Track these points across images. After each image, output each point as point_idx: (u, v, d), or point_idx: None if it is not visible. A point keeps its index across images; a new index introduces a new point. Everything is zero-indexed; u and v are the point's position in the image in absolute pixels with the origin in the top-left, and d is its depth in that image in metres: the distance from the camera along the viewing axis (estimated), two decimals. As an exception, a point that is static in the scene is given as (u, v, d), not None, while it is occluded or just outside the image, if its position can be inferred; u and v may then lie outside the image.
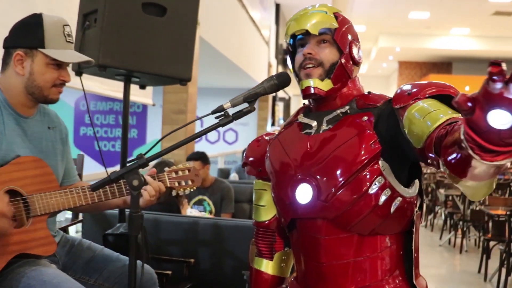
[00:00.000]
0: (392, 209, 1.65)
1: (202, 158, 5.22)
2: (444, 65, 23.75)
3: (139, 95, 4.98)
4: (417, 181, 1.73)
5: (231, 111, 1.73)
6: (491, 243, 6.64)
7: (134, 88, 3.37)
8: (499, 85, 0.93)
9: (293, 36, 1.81)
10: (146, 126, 11.83)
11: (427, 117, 1.50)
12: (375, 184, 1.63)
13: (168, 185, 2.13)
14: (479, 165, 1.12)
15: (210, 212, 5.15)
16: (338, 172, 1.66)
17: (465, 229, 8.17)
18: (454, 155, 1.21)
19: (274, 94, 14.65)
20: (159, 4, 2.84)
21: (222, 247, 3.47)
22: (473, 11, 16.70)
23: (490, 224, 6.98)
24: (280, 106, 16.87)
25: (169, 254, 3.48)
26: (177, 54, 2.90)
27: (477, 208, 7.48)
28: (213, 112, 1.71)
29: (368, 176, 1.64)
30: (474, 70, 22.67)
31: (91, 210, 2.69)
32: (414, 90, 1.62)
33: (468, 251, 8.18)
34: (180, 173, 2.16)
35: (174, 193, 2.17)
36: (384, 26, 19.33)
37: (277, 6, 15.69)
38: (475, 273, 6.84)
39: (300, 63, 1.77)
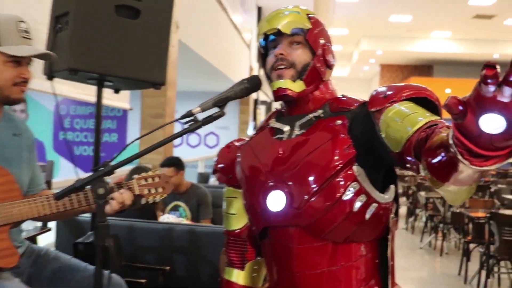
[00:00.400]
0: (367, 216, 1.60)
1: (175, 164, 5.10)
2: (425, 68, 23.87)
3: (116, 99, 4.91)
4: (392, 186, 1.69)
5: (201, 116, 1.67)
6: (471, 246, 6.66)
7: (110, 92, 3.31)
8: (492, 88, 0.89)
9: (266, 38, 1.77)
10: (127, 130, 11.73)
11: (405, 120, 1.45)
12: (350, 190, 1.59)
13: (137, 192, 2.06)
14: (466, 170, 1.07)
15: (187, 218, 5.08)
16: (311, 178, 1.61)
17: (445, 231, 8.19)
18: (438, 159, 1.16)
19: (255, 97, 14.65)
20: (133, 7, 2.77)
21: (198, 254, 3.41)
22: (454, 15, 16.80)
23: (470, 226, 6.99)
24: (261, 110, 16.82)
25: (144, 261, 3.41)
26: (151, 57, 2.84)
27: (458, 211, 7.48)
28: (182, 117, 1.66)
29: (342, 182, 1.59)
30: (455, 72, 22.82)
31: (58, 218, 2.62)
32: (390, 92, 1.57)
33: (448, 253, 8.20)
34: (150, 180, 2.10)
35: (143, 201, 2.10)
36: (366, 29, 19.38)
37: (259, 9, 15.66)
38: (455, 275, 6.86)
39: (272, 64, 1.72)
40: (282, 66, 1.69)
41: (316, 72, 1.71)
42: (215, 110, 1.69)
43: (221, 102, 1.67)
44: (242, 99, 14.11)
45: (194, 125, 1.64)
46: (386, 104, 1.55)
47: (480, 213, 6.50)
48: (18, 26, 2.03)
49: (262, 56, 1.82)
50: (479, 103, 0.91)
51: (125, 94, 5.38)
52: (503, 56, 20.95)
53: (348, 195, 1.59)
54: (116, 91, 3.18)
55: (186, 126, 1.67)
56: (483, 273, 5.98)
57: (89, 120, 12.76)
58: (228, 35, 10.37)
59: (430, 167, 1.22)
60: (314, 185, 1.60)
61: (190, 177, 6.63)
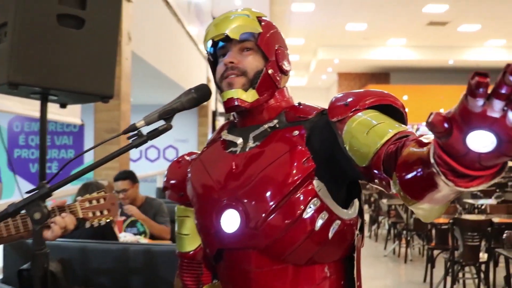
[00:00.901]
0: (330, 234, 1.47)
1: (130, 176, 5.02)
2: (382, 75, 24.10)
3: (66, 115, 4.72)
4: (356, 200, 1.57)
5: (147, 130, 1.52)
6: (435, 252, 6.63)
7: (58, 107, 3.13)
8: (480, 102, 0.78)
9: (215, 44, 1.64)
10: (84, 146, 11.51)
11: (371, 132, 1.33)
12: (310, 207, 1.46)
13: (81, 216, 1.90)
14: (446, 190, 0.96)
15: (145, 233, 4.92)
16: (268, 194, 1.47)
17: (409, 238, 8.15)
18: (413, 176, 1.05)
19: (214, 108, 14.50)
20: (76, 16, 2.61)
21: (155, 274, 3.24)
22: (408, 22, 16.99)
23: (434, 232, 6.97)
24: (220, 121, 16.66)
25: (99, 284, 3.23)
26: (97, 69, 2.68)
27: (420, 217, 7.46)
28: (125, 132, 1.51)
29: (301, 198, 1.46)
30: (411, 79, 23.09)
31: None
32: (351, 100, 1.45)
33: (412, 260, 8.17)
34: (95, 202, 1.93)
35: (88, 224, 1.94)
36: (323, 38, 19.46)
37: (215, 20, 15.53)
38: (421, 282, 6.81)
39: (222, 73, 1.59)
40: (233, 75, 1.56)
41: (269, 80, 1.58)
42: (161, 123, 1.54)
43: (167, 114, 1.53)
44: (200, 111, 14.00)
45: (138, 140, 1.50)
46: (349, 113, 1.42)
47: (443, 219, 6.47)
48: None
49: (211, 64, 1.69)
50: (466, 118, 0.80)
51: (75, 108, 5.18)
52: (457, 62, 21.32)
53: (308, 212, 1.45)
54: (63, 106, 3.01)
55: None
56: (449, 279, 5.95)
57: (46, 137, 12.46)
58: (184, 47, 10.22)
59: (403, 184, 1.11)
60: (272, 202, 1.46)
61: (148, 192, 6.46)
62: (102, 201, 1.93)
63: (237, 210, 1.50)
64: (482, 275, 5.80)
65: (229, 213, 1.51)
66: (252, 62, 1.57)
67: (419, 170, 1.02)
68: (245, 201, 1.50)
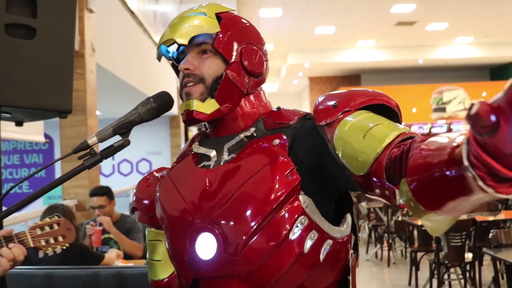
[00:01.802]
0: (321, 256, 1.29)
1: (108, 193, 4.90)
2: (354, 77, 24.08)
3: (27, 133, 4.47)
4: (348, 215, 1.38)
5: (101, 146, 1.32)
6: (419, 254, 6.50)
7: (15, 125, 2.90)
8: None
9: (179, 48, 1.45)
10: (54, 164, 11.17)
11: (369, 135, 1.15)
12: (297, 226, 1.27)
13: (32, 245, 1.69)
14: (480, 197, 0.80)
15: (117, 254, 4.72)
16: (248, 214, 1.28)
17: (390, 241, 8.02)
18: (433, 181, 0.89)
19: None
20: (27, 25, 2.38)
21: (129, 299, 3.03)
22: (376, 23, 16.98)
23: (415, 234, 6.85)
24: (193, 131, 16.46)
25: (68, 314, 3.00)
26: (53, 82, 2.46)
27: (400, 219, 7.35)
28: (75, 151, 1.30)
29: (287, 217, 1.27)
30: (382, 80, 23.11)
31: None
32: (339, 100, 1.26)
33: (396, 263, 8.06)
34: (47, 228, 1.73)
35: (41, 254, 1.73)
36: (292, 43, 19.36)
37: (182, 30, 15.35)
38: (406, 285, 6.71)
39: (181, 81, 1.40)
40: (191, 84, 1.38)
41: (231, 86, 1.39)
42: (118, 138, 1.34)
43: (123, 128, 1.33)
44: (172, 122, 13.76)
45: (91, 160, 1.29)
46: (338, 115, 1.24)
47: (425, 220, 6.34)
48: None
49: (176, 70, 1.49)
50: None
51: (37, 125, 4.92)
52: (426, 61, 21.41)
53: (295, 232, 1.27)
54: (19, 123, 2.77)
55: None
56: (434, 281, 5.82)
57: (13, 155, 12.17)
58: (152, 57, 9.97)
59: (418, 192, 0.94)
60: (253, 223, 1.27)
61: (122, 207, 6.26)
62: (55, 226, 1.73)
63: (213, 233, 1.31)
64: (467, 275, 5.68)
65: (204, 237, 1.32)
66: (209, 67, 1.39)
67: (443, 174, 0.85)
68: (222, 222, 1.31)
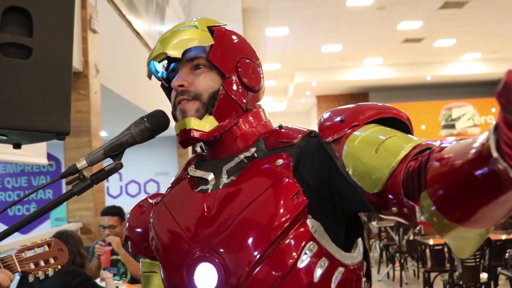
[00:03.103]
0: (333, 286, 1.18)
1: (119, 213, 4.89)
2: (361, 95, 24.01)
3: (30, 155, 4.38)
4: (360, 240, 1.27)
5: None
6: (432, 274, 6.36)
7: (22, 148, 2.81)
8: None
9: (168, 67, 1.36)
10: (62, 185, 11.22)
11: (381, 149, 1.05)
12: (306, 254, 1.16)
13: (19, 269, 1.58)
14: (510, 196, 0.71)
15: (125, 274, 4.63)
16: (250, 242, 1.17)
17: (402, 261, 7.86)
18: (459, 185, 0.80)
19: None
20: (22, 44, 2.30)
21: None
22: (384, 41, 16.95)
23: (428, 253, 6.71)
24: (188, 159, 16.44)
25: None
26: (49, 103, 2.36)
27: (412, 238, 7.20)
28: (63, 176, 1.20)
29: (294, 244, 1.16)
30: (390, 98, 23.01)
31: None
32: (347, 115, 1.17)
33: (408, 283, 7.90)
34: (37, 250, 1.62)
35: (31, 278, 1.63)
36: (299, 62, 19.35)
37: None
38: (419, 307, 6.54)
39: (174, 100, 1.30)
40: (184, 101, 1.28)
41: (229, 101, 1.29)
42: (109, 161, 1.24)
43: (114, 150, 1.23)
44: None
45: (81, 185, 1.19)
46: (346, 130, 1.14)
47: (437, 240, 6.20)
48: None
49: (166, 90, 1.40)
50: None
51: (40, 147, 4.83)
52: (434, 78, 21.33)
53: (304, 260, 1.16)
54: (16, 146, 2.68)
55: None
56: (449, 303, 5.68)
57: (20, 178, 12.16)
58: (158, 78, 9.97)
59: (443, 203, 0.85)
60: (256, 252, 1.16)
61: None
62: (46, 248, 1.62)
63: (213, 263, 1.20)
64: (483, 296, 5.52)
65: (203, 267, 1.21)
66: (205, 82, 1.29)
67: (469, 175, 0.76)
68: (223, 251, 1.20)
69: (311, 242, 1.17)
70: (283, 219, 1.17)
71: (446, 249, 5.89)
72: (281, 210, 1.17)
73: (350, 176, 1.12)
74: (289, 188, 1.20)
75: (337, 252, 1.20)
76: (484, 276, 5.50)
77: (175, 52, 1.27)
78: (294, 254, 1.16)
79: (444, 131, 21.76)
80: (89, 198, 5.58)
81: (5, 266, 1.58)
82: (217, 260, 1.20)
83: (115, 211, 4.84)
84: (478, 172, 0.75)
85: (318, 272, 1.17)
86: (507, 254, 4.34)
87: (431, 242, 6.22)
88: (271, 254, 1.17)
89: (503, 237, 6.00)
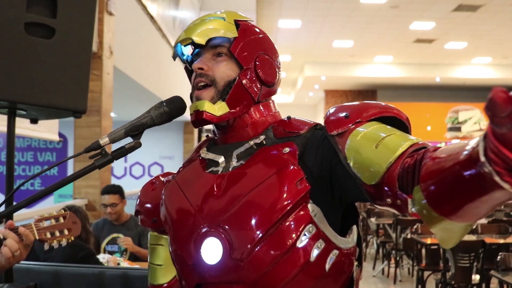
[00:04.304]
0: (327, 266, 1.28)
1: (120, 191, 4.98)
2: (369, 92, 24.04)
3: (42, 131, 4.51)
4: (354, 227, 1.38)
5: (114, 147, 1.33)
6: (426, 273, 6.46)
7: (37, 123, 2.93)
8: None
9: (194, 52, 1.46)
10: (67, 162, 11.31)
11: (381, 145, 1.16)
12: (305, 235, 1.27)
13: (37, 237, 1.70)
14: (497, 196, 0.81)
15: (125, 252, 4.75)
16: (254, 222, 1.27)
17: (398, 258, 7.97)
18: (449, 182, 0.91)
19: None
20: (46, 25, 2.41)
21: (132, 301, 3.04)
22: (395, 39, 16.97)
23: (423, 252, 6.81)
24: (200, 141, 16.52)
25: (72, 312, 3.02)
26: (69, 82, 2.49)
27: (409, 237, 7.30)
28: (87, 150, 1.32)
29: (294, 226, 1.27)
30: (398, 96, 23.05)
31: None
32: (351, 111, 1.28)
33: (402, 280, 8.00)
34: (53, 221, 1.74)
35: (46, 246, 1.74)
36: (309, 55, 19.39)
37: (201, 36, 15.42)
38: (411, 304, 6.65)
39: (193, 82, 1.41)
40: (202, 83, 1.38)
41: (243, 91, 1.40)
42: (129, 140, 1.35)
43: (135, 130, 1.34)
44: (186, 128, 13.80)
45: (102, 160, 1.31)
46: (350, 125, 1.25)
47: (433, 239, 6.30)
48: None
49: (189, 73, 1.51)
50: None
51: (52, 124, 4.96)
52: (444, 80, 21.34)
53: (303, 241, 1.27)
54: (34, 121, 2.81)
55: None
56: (439, 301, 5.78)
57: (27, 153, 12.27)
58: (169, 63, 10.05)
59: (433, 198, 0.96)
60: (258, 231, 1.27)
61: (132, 210, 6.28)
62: (61, 220, 1.74)
63: (219, 238, 1.31)
64: (474, 297, 5.63)
65: (210, 241, 1.32)
66: (223, 70, 1.40)
67: (459, 174, 0.86)
68: (228, 228, 1.31)
69: (310, 225, 1.28)
70: (286, 202, 1.27)
71: (441, 250, 5.99)
72: (285, 194, 1.28)
73: (351, 168, 1.22)
74: (294, 174, 1.30)
75: (333, 236, 1.30)
76: (476, 277, 5.61)
77: (199, 39, 1.38)
78: (294, 235, 1.27)
79: (450, 133, 21.80)
80: (96, 176, 5.71)
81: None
82: (223, 236, 1.30)
83: (116, 190, 4.93)
84: (467, 173, 0.85)
85: (315, 252, 1.27)
86: (499, 257, 4.45)
87: (428, 241, 6.31)
88: (273, 233, 1.27)
89: (500, 241, 6.09)
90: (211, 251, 1.31)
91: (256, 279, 1.28)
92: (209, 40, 1.40)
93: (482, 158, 0.77)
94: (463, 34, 16.29)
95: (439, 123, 21.66)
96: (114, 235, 4.84)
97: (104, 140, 1.31)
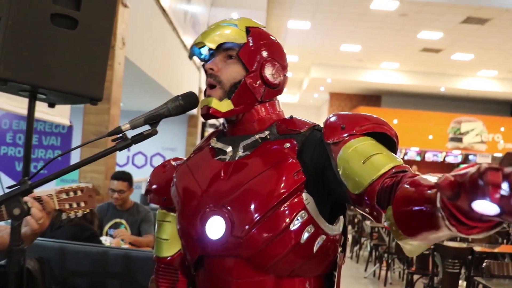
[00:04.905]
0: (315, 248, 1.47)
1: (130, 179, 5.13)
2: (374, 98, 24.20)
3: (55, 115, 4.70)
4: (341, 217, 1.57)
5: (132, 134, 1.52)
6: (415, 276, 6.63)
7: (47, 106, 3.11)
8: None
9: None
10: (71, 147, 11.41)
11: (368, 162, 1.35)
12: (298, 220, 1.46)
13: (57, 207, 1.88)
14: (444, 233, 1.01)
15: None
16: (254, 206, 1.47)
17: (390, 261, 8.15)
18: (413, 213, 1.08)
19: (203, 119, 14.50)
20: (70, 16, 2.60)
21: (133, 279, 3.23)
22: (402, 47, 17.11)
23: (415, 257, 6.97)
24: (210, 132, 16.64)
25: (76, 286, 3.21)
26: (88, 71, 2.67)
27: (402, 241, 7.46)
28: (110, 134, 1.50)
29: (288, 211, 1.46)
30: (402, 104, 23.20)
31: None
32: (347, 123, 1.47)
33: (392, 283, 8.17)
34: (72, 194, 1.92)
35: (64, 216, 1.92)
36: (316, 57, 19.54)
37: (210, 32, 15.57)
38: (398, 306, 6.82)
39: (206, 80, 1.60)
40: (211, 84, 1.58)
41: (247, 91, 1.58)
42: (146, 127, 1.54)
43: (153, 119, 1.53)
44: (190, 121, 13.98)
45: (123, 143, 1.49)
46: (344, 136, 1.44)
47: (424, 244, 6.47)
48: None
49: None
50: (475, 190, 0.84)
51: (65, 109, 5.15)
52: (448, 90, 21.46)
53: (295, 225, 1.46)
54: (51, 105, 2.99)
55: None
56: (426, 305, 5.95)
57: (33, 135, 12.41)
58: (178, 56, 10.23)
59: (400, 219, 1.14)
60: (256, 215, 1.46)
61: (133, 198, 6.46)
62: (79, 192, 1.92)
63: (223, 217, 1.50)
64: (460, 303, 5.80)
65: (214, 219, 1.51)
66: (230, 72, 1.58)
67: (421, 208, 1.04)
68: (231, 209, 1.49)
69: (303, 211, 1.46)
70: (283, 190, 1.46)
71: (431, 255, 6.14)
72: (282, 183, 1.47)
73: (339, 175, 1.41)
74: (292, 167, 1.49)
75: (322, 222, 1.49)
76: (463, 284, 5.79)
77: (211, 44, 1.57)
78: (288, 219, 1.45)
79: (451, 143, 21.92)
80: (102, 162, 5.88)
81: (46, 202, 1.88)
82: (226, 215, 1.49)
83: (126, 177, 5.08)
84: (426, 209, 1.02)
85: (305, 235, 1.45)
86: (484, 264, 4.63)
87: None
88: (270, 216, 1.45)
89: (489, 250, 6.25)
90: (215, 227, 1.50)
91: (251, 255, 1.47)
92: (221, 44, 1.59)
93: (438, 205, 0.95)
94: (470, 46, 16.42)
95: (441, 132, 21.78)
96: (117, 220, 5.00)
97: (125, 126, 1.50)
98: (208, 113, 1.57)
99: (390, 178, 1.28)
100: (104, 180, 5.86)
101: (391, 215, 1.17)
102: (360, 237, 10.28)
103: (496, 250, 6.31)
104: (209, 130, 15.07)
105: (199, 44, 1.60)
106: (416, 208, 1.07)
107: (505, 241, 7.36)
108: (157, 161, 14.44)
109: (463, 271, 5.87)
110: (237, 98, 1.57)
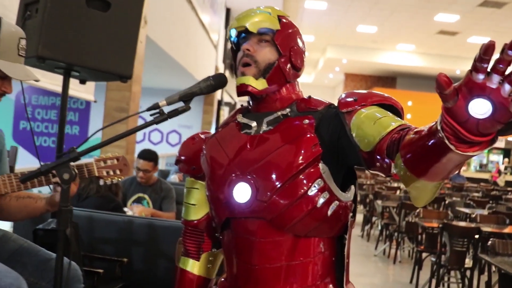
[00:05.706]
0: (329, 212, 1.67)
1: (155, 159, 5.19)
2: (389, 79, 24.23)
3: (81, 91, 4.90)
4: (353, 186, 1.76)
5: (167, 109, 1.72)
6: (424, 255, 6.80)
7: (75, 83, 3.31)
8: (481, 76, 1.00)
9: (239, 35, 1.83)
10: (89, 123, 11.64)
11: (377, 123, 1.53)
12: (315, 186, 1.65)
13: (97, 174, 2.10)
14: (447, 158, 1.15)
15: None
16: (275, 175, 1.66)
17: (399, 240, 8.33)
18: (417, 148, 1.24)
19: (219, 98, 14.67)
20: (104, 0, 2.81)
21: (156, 247, 3.44)
22: (419, 29, 17.11)
23: (424, 236, 7.14)
24: (225, 111, 16.85)
25: (102, 252, 3.42)
26: (119, 50, 2.87)
27: (412, 220, 7.64)
28: (148, 109, 1.70)
29: (305, 180, 1.65)
30: (417, 86, 23.21)
31: (15, 214, 2.34)
32: (359, 97, 1.66)
33: (401, 261, 8.35)
34: (109, 162, 2.13)
35: (101, 182, 2.13)
36: (332, 37, 19.58)
37: (228, 11, 15.69)
38: (407, 283, 6.99)
39: (239, 59, 1.78)
40: (247, 63, 1.75)
41: (280, 72, 1.77)
42: (180, 104, 1.74)
43: (187, 97, 1.72)
44: (206, 99, 14.16)
45: (160, 117, 1.69)
46: (357, 106, 1.63)
47: (433, 223, 6.65)
48: (19, 43, 2.04)
49: (234, 52, 1.88)
50: (470, 88, 1.01)
51: (90, 86, 5.35)
52: (464, 73, 21.08)
53: (313, 191, 1.64)
54: (82, 81, 3.21)
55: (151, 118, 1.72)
56: (434, 281, 6.12)
57: (51, 111, 12.60)
58: (196, 35, 10.39)
59: (407, 160, 1.30)
60: (277, 183, 1.65)
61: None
62: (115, 161, 2.13)
63: (248, 183, 1.69)
64: (466, 281, 5.98)
65: (241, 185, 1.70)
66: (266, 54, 1.76)
67: (425, 143, 1.20)
68: (255, 176, 1.69)
69: (319, 179, 1.66)
70: (301, 161, 1.66)
71: (440, 234, 6.29)
72: (301, 156, 1.67)
73: (353, 138, 1.60)
74: (310, 140, 1.69)
75: (336, 190, 1.69)
76: (470, 262, 5.96)
77: (253, 27, 1.76)
78: (305, 187, 1.65)
79: (465, 126, 21.85)
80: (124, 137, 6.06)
81: (87, 169, 2.09)
82: (252, 182, 1.69)
83: (152, 157, 5.15)
84: (430, 142, 1.18)
85: (321, 201, 1.65)
86: (489, 242, 4.80)
87: (428, 225, 6.64)
88: (289, 184, 1.65)
89: (496, 230, 6.40)
90: (242, 192, 1.70)
91: (273, 217, 1.67)
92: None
93: (438, 127, 1.11)
94: (486, 30, 16.39)
95: (455, 115, 21.72)
96: (140, 194, 5.14)
97: (162, 102, 1.69)
98: (246, 90, 1.75)
99: (397, 133, 1.45)
100: (125, 154, 6.04)
101: (399, 158, 1.33)
102: (371, 216, 10.47)
103: (504, 230, 6.46)
104: (225, 109, 15.25)
105: (239, 28, 1.79)
106: (421, 143, 1.23)
107: (513, 222, 7.50)
108: (173, 138, 14.65)
109: (470, 250, 6.03)
110: (271, 77, 1.76)
